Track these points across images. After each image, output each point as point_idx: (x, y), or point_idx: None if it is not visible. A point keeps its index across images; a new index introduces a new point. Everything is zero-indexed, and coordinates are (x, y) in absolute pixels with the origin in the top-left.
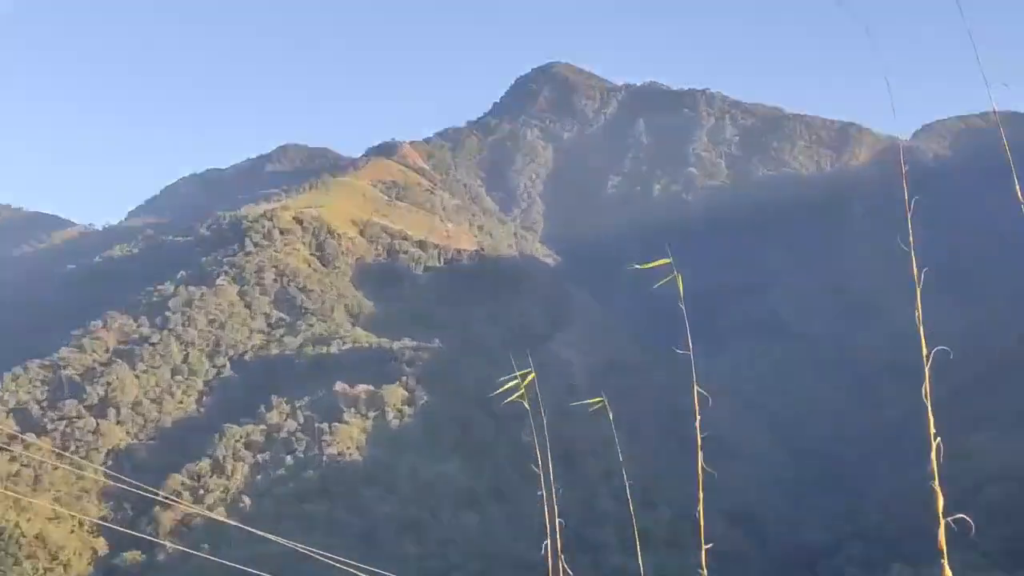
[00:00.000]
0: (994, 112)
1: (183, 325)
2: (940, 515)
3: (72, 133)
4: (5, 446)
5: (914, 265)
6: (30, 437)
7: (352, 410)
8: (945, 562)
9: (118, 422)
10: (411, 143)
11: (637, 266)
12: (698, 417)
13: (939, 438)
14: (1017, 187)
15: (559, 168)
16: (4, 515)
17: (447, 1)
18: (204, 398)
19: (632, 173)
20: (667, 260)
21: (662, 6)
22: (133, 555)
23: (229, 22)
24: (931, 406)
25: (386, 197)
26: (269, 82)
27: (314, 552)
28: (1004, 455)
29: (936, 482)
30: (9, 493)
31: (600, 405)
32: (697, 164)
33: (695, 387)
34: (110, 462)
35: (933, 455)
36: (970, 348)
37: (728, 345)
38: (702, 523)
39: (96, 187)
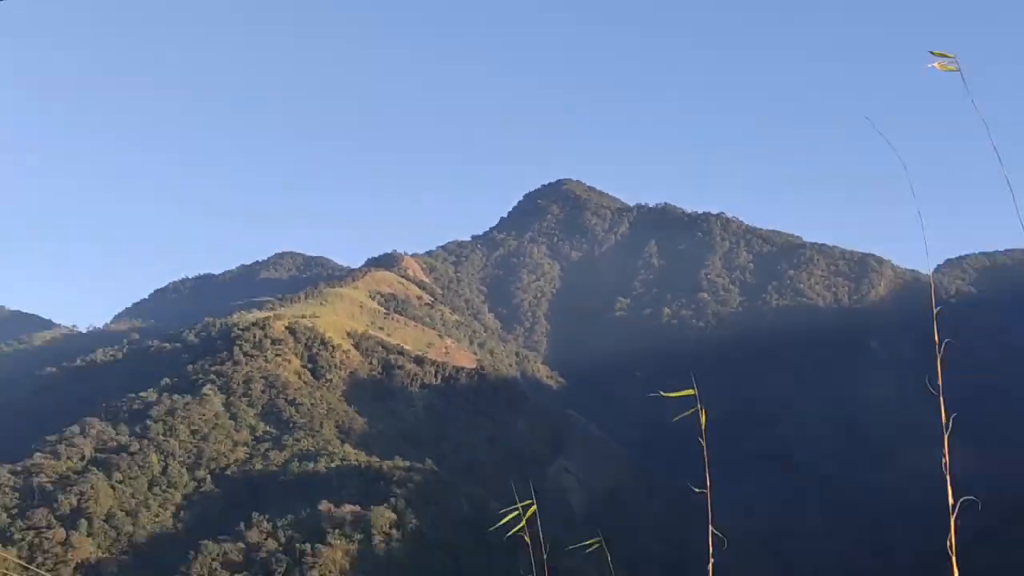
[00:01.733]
0: None
1: (164, 435)
2: None
3: (59, 229)
4: None
5: (943, 411)
6: None
7: (337, 532)
8: None
9: (89, 534)
10: (412, 255)
11: (662, 393)
12: (711, 560)
13: None
14: None
15: (565, 287)
16: None
17: (458, 112)
18: (182, 512)
19: (641, 296)
20: (692, 391)
21: (679, 127)
22: None
23: (224, 121)
24: (955, 558)
25: (384, 309)
26: (268, 185)
27: None
28: None
29: None
30: None
31: (597, 546)
32: (709, 290)
33: (710, 529)
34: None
35: None
36: (989, 492)
37: (738, 479)
38: None
39: (82, 287)
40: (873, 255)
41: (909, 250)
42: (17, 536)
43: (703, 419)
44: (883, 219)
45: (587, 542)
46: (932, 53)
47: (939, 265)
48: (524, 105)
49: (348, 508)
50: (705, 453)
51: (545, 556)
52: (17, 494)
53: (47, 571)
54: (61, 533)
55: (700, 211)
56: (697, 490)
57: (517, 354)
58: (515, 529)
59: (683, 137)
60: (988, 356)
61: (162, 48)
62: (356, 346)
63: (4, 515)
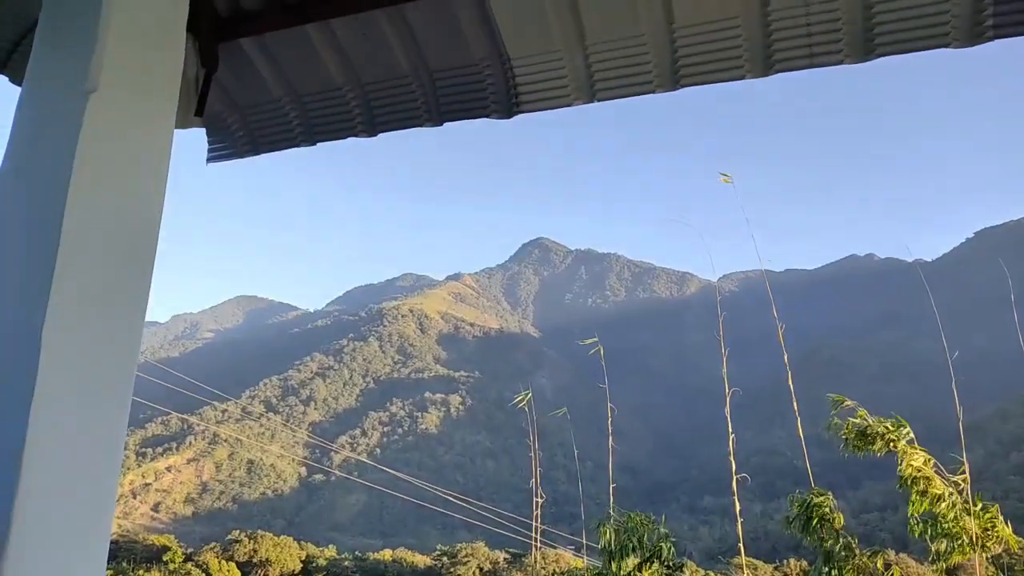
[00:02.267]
0: (764, 271)
1: (350, 360)
2: (733, 473)
3: (299, 246)
4: (256, 420)
5: (722, 344)
6: (270, 415)
7: (433, 407)
8: (736, 497)
9: (314, 408)
10: (468, 274)
11: (583, 341)
12: (610, 418)
13: (733, 434)
14: (774, 310)
15: (541, 290)
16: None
17: (492, 197)
18: (358, 398)
19: (578, 293)
20: (595, 339)
21: (597, 207)
22: (319, 476)
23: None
24: (729, 416)
25: (454, 300)
26: (396, 232)
27: (410, 479)
28: (758, 441)
29: (732, 455)
30: (258, 443)
31: (562, 412)
32: (611, 290)
33: (608, 405)
34: (310, 428)
35: (731, 443)
36: (743, 386)
37: (622, 382)
38: (611, 471)
39: (309, 287)
40: (689, 272)
41: (706, 268)
42: (279, 409)
43: (602, 352)
44: (694, 251)
45: (557, 410)
46: (721, 174)
47: (720, 277)
48: (526, 190)
49: (438, 395)
50: (604, 367)
51: (535, 417)
52: (279, 390)
53: (295, 426)
54: (301, 407)
55: (607, 251)
56: (600, 385)
57: (519, 320)
58: (521, 404)
59: (595, 208)
60: (741, 320)
61: None
62: (441, 317)
63: (273, 399)
